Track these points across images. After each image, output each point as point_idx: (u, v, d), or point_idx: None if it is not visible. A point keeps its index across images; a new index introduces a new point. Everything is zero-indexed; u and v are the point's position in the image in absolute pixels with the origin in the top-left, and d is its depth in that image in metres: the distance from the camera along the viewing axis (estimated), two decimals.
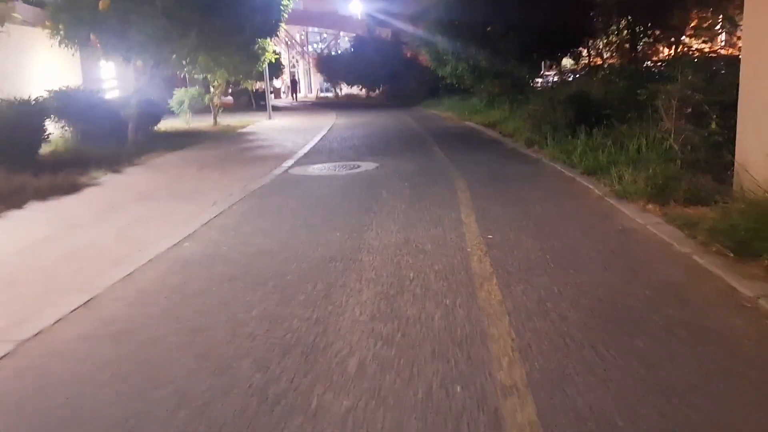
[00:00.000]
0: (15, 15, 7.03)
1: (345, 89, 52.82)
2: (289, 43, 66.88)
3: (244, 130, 17.55)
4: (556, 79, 18.85)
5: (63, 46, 11.21)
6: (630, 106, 9.22)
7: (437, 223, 5.35)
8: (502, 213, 5.66)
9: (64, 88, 12.88)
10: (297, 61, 68.85)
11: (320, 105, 37.05)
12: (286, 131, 16.62)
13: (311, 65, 58.32)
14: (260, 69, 19.11)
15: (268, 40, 18.28)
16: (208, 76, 18.36)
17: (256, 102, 31.74)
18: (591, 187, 6.66)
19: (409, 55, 36.11)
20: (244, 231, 5.32)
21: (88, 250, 4.83)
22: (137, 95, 12.55)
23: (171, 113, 19.55)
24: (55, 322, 3.28)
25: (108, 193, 7.62)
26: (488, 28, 15.24)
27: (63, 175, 8.51)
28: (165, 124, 16.91)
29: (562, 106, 9.96)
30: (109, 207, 6.60)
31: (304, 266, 4.19)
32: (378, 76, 39.03)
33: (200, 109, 19.86)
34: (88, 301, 3.61)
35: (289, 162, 10.07)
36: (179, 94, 19.70)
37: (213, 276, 4.07)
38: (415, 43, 22.38)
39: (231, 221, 5.72)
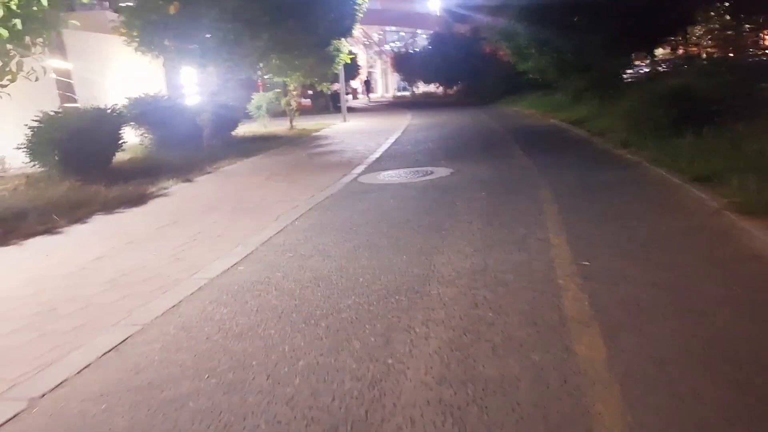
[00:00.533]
0: (73, 22, 6.91)
1: (422, 87, 52.21)
2: (366, 43, 67.22)
3: (318, 133, 17.34)
4: (647, 70, 17.31)
5: (139, 52, 11.32)
6: (745, 103, 7.98)
7: (520, 244, 4.61)
8: (599, 232, 4.83)
9: (143, 96, 13.15)
10: (375, 61, 69.04)
11: (396, 105, 36.65)
12: (360, 134, 16.23)
13: (388, 64, 58.17)
14: (335, 71, 18.86)
15: (343, 41, 17.99)
16: (284, 80, 18.36)
17: (333, 104, 31.80)
18: (706, 197, 5.64)
19: (488, 50, 34.96)
20: (303, 252, 4.82)
21: (138, 274, 4.50)
22: (211, 101, 12.55)
23: (249, 117, 19.82)
24: (79, 371, 2.90)
25: (173, 204, 7.43)
26: (575, 18, 14.08)
27: (134, 185, 8.48)
28: (243, 129, 17.05)
29: (664, 102, 8.82)
30: (172, 221, 6.35)
31: (364, 300, 3.61)
32: (455, 73, 38.06)
33: (278, 112, 19.92)
34: (121, 343, 3.21)
35: (360, 168, 9.58)
36: (257, 98, 19.89)
37: (262, 310, 3.58)
38: (494, 37, 21.40)
39: (291, 240, 5.26)
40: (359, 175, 8.95)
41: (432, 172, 8.59)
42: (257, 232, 5.58)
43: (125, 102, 12.73)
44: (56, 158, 8.87)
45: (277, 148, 13.58)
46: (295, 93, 19.13)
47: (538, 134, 13.34)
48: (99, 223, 6.51)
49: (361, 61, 68.24)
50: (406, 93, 55.85)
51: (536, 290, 3.60)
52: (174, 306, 3.72)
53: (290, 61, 13.90)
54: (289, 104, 19.11)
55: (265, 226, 5.79)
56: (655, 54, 16.39)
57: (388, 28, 68.85)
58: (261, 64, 12.70)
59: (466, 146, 11.85)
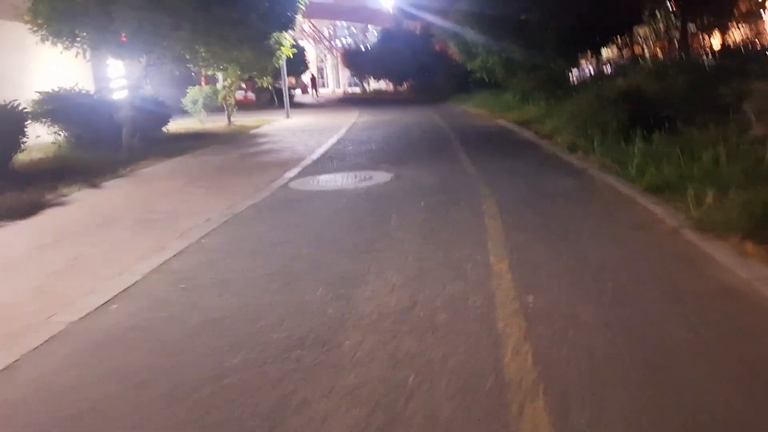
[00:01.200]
0: None
1: (373, 84, 51.47)
2: (316, 37, 65.98)
3: (257, 131, 16.37)
4: (592, 71, 17.15)
5: (46, 43, 10.11)
6: (697, 107, 7.64)
7: (458, 271, 3.95)
8: (546, 255, 4.22)
9: (56, 90, 11.89)
10: (325, 56, 67.80)
11: (345, 101, 35.80)
12: (301, 132, 15.37)
13: (339, 60, 57.14)
14: (276, 65, 17.87)
15: (284, 34, 17.04)
16: (220, 74, 17.27)
17: (279, 99, 30.65)
18: (660, 212, 5.15)
19: (438, 48, 34.61)
20: (201, 282, 4.02)
21: None
22: (133, 96, 11.43)
23: (186, 113, 18.60)
24: None
25: (67, 216, 6.43)
26: (522, 17, 13.66)
27: (31, 191, 7.43)
28: (177, 125, 15.88)
29: (612, 105, 8.40)
30: (56, 239, 5.39)
31: (256, 357, 2.85)
32: (406, 70, 37.54)
33: (217, 108, 18.79)
34: None
35: (294, 171, 8.78)
36: (192, 92, 18.69)
37: (125, 373, 2.77)
38: (443, 35, 20.93)
39: (190, 264, 4.43)
40: (292, 179, 8.15)
41: (371, 178, 7.88)
42: (153, 253, 4.72)
43: (35, 97, 11.51)
44: None
45: (207, 147, 12.57)
46: (232, 87, 18.03)
47: (485, 136, 12.84)
48: None
49: (311, 56, 67.06)
50: (357, 89, 55.06)
51: (471, 339, 2.93)
52: (4, 369, 2.85)
53: (222, 54, 12.86)
54: (226, 99, 18.00)
55: (164, 246, 4.93)
56: (601, 54, 16.21)
57: (338, 23, 67.81)
58: (187, 56, 11.62)
59: (410, 148, 11.20)
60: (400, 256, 4.36)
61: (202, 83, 21.07)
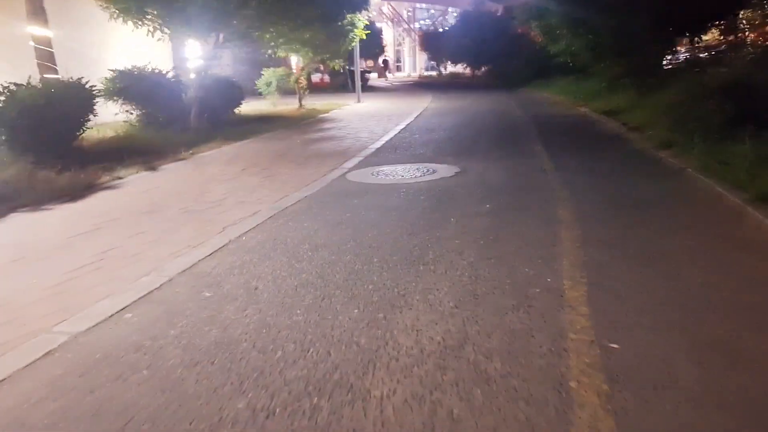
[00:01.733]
0: None
1: (450, 68, 50.17)
2: (395, 20, 65.28)
3: (325, 115, 16.03)
4: (688, 57, 15.47)
5: (118, 21, 10.07)
6: None
7: (521, 298, 3.28)
8: (634, 282, 3.45)
9: (128, 68, 11.97)
10: (403, 39, 66.91)
11: (420, 85, 35.06)
12: (370, 117, 14.87)
13: (417, 43, 56.15)
14: (349, 47, 17.41)
15: (358, 15, 16.54)
16: (292, 56, 17.03)
17: (353, 82, 30.31)
18: None
19: (519, 31, 33.07)
20: (227, 291, 3.57)
21: None
22: (200, 77, 11.30)
23: (260, 95, 18.57)
24: None
25: (116, 201, 6.24)
26: None
27: (89, 171, 7.35)
28: (250, 107, 15.87)
29: (716, 97, 7.28)
30: (95, 226, 5.15)
31: (261, 407, 2.33)
32: (484, 54, 36.17)
33: (292, 90, 18.64)
34: None
35: (354, 161, 8.29)
36: (267, 74, 18.58)
37: (109, 409, 2.34)
38: (525, 17, 19.67)
39: (223, 267, 4.00)
40: (350, 170, 7.65)
41: (434, 171, 7.24)
42: (188, 250, 4.35)
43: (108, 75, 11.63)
44: (3, 138, 7.77)
45: (273, 131, 12.31)
46: (304, 70, 17.76)
47: (566, 126, 11.81)
48: (9, 224, 5.36)
49: (389, 38, 66.52)
50: (434, 73, 53.97)
51: (531, 402, 2.28)
52: None
53: (290, 35, 12.51)
54: (297, 82, 17.77)
55: (203, 241, 4.55)
56: (699, 40, 14.52)
57: (418, 5, 66.59)
58: (256, 35, 11.32)
59: (481, 138, 10.41)
60: (455, 271, 3.73)
61: (288, 66, 20.87)
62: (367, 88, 29.50)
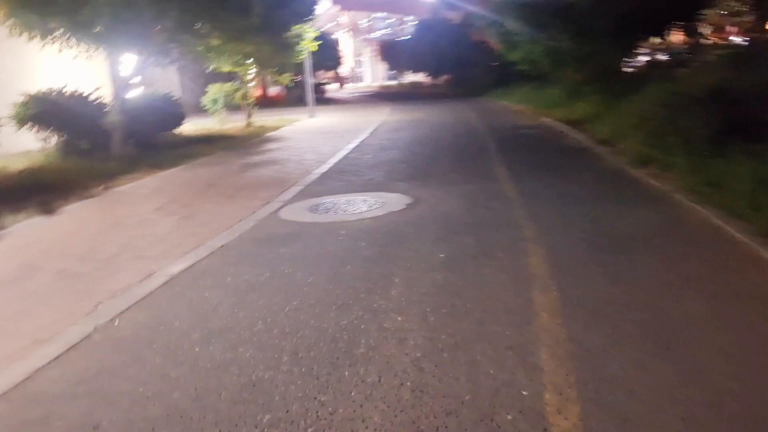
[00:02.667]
0: None
1: (411, 77, 49.46)
2: (353, 30, 64.52)
3: (273, 133, 14.86)
4: (649, 60, 14.90)
5: (19, 36, 8.73)
6: None
7: (485, 416, 2.23)
8: (646, 393, 2.43)
9: (44, 92, 10.65)
10: (362, 49, 66.07)
11: (379, 96, 34.22)
12: (320, 135, 13.77)
13: (376, 53, 55.38)
14: (297, 59, 16.27)
15: (304, 26, 15.47)
16: (237, 70, 15.84)
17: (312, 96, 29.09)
18: None
19: (477, 39, 32.61)
20: (57, 427, 2.41)
21: None
22: (119, 98, 10.02)
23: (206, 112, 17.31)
24: None
25: None
26: None
27: None
28: (195, 126, 14.65)
29: (699, 106, 6.44)
30: None
31: None
32: (443, 62, 35.49)
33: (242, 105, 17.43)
34: None
35: (292, 191, 7.18)
36: (212, 90, 17.29)
37: None
38: (481, 23, 18.93)
39: (62, 386, 2.79)
40: (286, 203, 6.54)
41: (382, 204, 6.18)
42: (30, 349, 3.16)
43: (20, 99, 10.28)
44: None
45: (210, 154, 11.09)
46: (250, 85, 16.54)
47: (529, 141, 10.94)
48: None
49: (349, 49, 65.62)
50: (394, 82, 53.25)
51: None
52: None
53: (226, 48, 11.35)
54: (244, 98, 16.54)
55: (59, 332, 3.36)
56: (663, 40, 13.93)
57: (375, 15, 65.92)
58: (181, 51, 10.12)
59: (438, 158, 9.42)
60: (392, 378, 2.64)
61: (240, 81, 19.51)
62: (323, 101, 28.46)
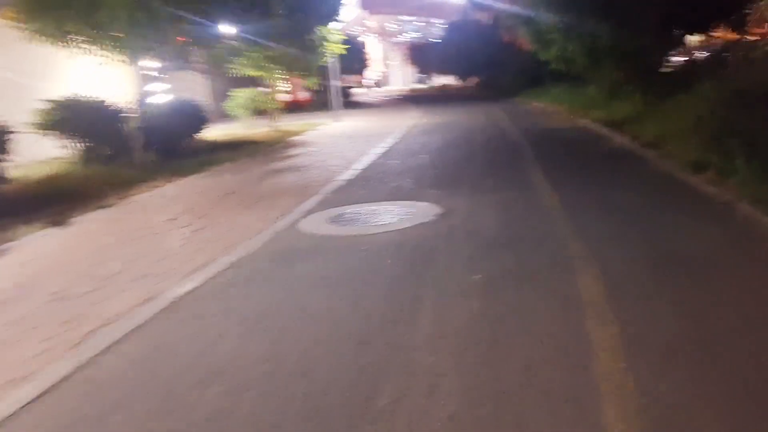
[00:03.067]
0: None
1: (440, 79, 48.86)
2: (381, 33, 64.26)
3: (298, 137, 14.49)
4: (688, 58, 14.06)
5: (38, 42, 8.50)
6: None
7: None
8: None
9: (66, 98, 10.45)
10: (391, 53, 65.66)
11: (408, 99, 33.69)
12: (346, 139, 13.35)
13: (405, 56, 54.91)
14: (320, 62, 15.90)
15: (329, 27, 15.10)
16: (261, 74, 15.56)
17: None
18: None
19: (507, 39, 31.90)
20: None
21: None
22: (141, 104, 9.76)
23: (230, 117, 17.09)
24: None
25: None
26: None
27: None
28: (220, 131, 14.38)
29: (765, 106, 5.76)
30: None
31: None
32: (473, 64, 34.86)
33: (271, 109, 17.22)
34: None
35: (314, 201, 6.73)
36: (237, 95, 17.02)
37: None
38: (512, 22, 18.28)
39: (39, 425, 2.41)
40: (306, 213, 6.09)
41: (408, 215, 5.67)
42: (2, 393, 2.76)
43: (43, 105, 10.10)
44: None
45: (234, 160, 10.75)
46: (274, 89, 16.23)
47: (566, 144, 10.30)
48: None
49: (377, 52, 65.40)
50: (424, 85, 52.73)
51: None
52: None
53: (249, 53, 11.03)
54: (269, 102, 16.24)
55: (38, 369, 2.94)
56: (710, 37, 13.10)
57: (403, 18, 65.44)
58: (204, 55, 9.83)
59: (470, 163, 8.88)
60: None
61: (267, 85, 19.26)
62: (351, 104, 28.14)
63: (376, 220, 5.62)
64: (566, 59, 13.68)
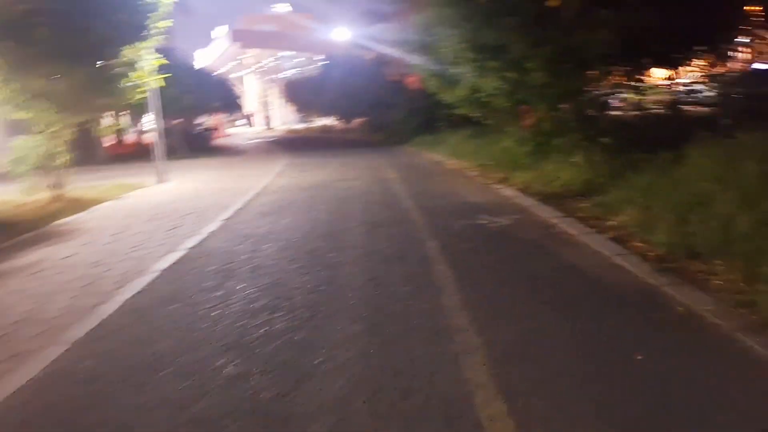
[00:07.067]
0: None
1: (322, 120, 44.88)
2: (258, 69, 59.62)
3: (77, 216, 9.31)
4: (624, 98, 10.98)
5: None
6: None
7: None
8: None
9: None
10: (269, 90, 60.93)
11: (280, 143, 29.22)
12: (147, 220, 8.42)
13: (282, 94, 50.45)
14: (131, 98, 10.80)
15: (136, 47, 10.20)
16: (32, 117, 10.26)
17: (189, 144, 23.41)
18: None
19: (394, 78, 28.77)
20: None
21: None
22: None
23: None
24: None
25: None
26: (551, 2, 7.26)
27: None
28: None
29: None
30: None
31: None
32: (356, 104, 31.15)
33: (80, 159, 11.91)
34: None
35: None
36: (19, 146, 11.27)
37: None
38: (401, 59, 14.51)
39: None
40: None
41: None
42: None
43: None
44: None
45: None
46: (56, 138, 10.78)
47: (495, 242, 6.10)
48: None
49: (254, 89, 60.51)
50: (303, 126, 48.57)
51: None
52: None
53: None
54: (50, 157, 10.80)
55: None
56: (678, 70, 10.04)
57: (284, 54, 61.28)
58: None
59: (334, 280, 4.44)
60: None
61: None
62: (205, 151, 23.13)
63: None
64: (477, 102, 9.85)
